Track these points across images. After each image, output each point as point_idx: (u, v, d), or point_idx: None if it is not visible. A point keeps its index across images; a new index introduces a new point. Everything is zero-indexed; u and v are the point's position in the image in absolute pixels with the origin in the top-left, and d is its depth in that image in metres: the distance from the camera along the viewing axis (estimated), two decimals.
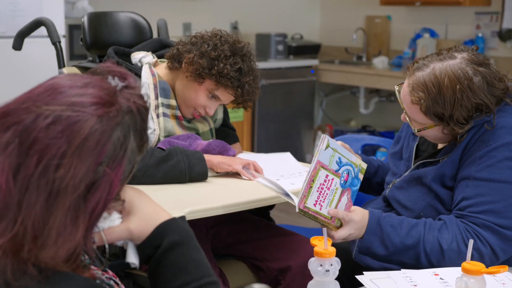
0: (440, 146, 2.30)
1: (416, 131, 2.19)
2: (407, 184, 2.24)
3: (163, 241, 1.30)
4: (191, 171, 2.32)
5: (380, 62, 6.68)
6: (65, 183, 1.09)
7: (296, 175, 2.51)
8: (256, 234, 2.61)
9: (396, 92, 2.24)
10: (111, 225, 1.30)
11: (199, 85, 2.51)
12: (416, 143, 2.35)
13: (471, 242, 1.66)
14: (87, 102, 1.13)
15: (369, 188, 2.57)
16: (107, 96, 1.15)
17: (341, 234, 2.05)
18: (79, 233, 1.12)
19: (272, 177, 2.43)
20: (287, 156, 2.73)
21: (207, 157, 2.38)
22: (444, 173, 2.13)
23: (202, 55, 2.47)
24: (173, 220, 1.34)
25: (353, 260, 2.29)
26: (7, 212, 1.09)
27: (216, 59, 2.46)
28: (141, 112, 1.20)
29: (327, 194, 2.02)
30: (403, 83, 2.21)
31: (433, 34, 6.48)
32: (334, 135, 7.01)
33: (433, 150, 2.31)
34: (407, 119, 2.19)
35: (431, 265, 2.03)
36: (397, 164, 2.39)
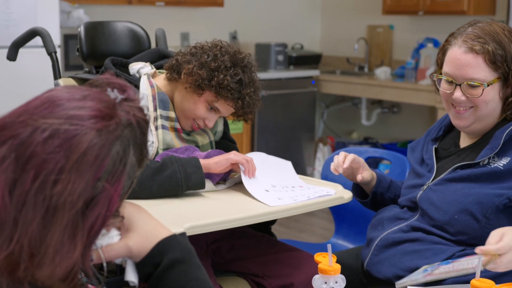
0: (462, 145, 2.29)
1: (478, 96, 2.15)
2: (443, 186, 2.20)
3: (163, 259, 1.29)
4: (188, 180, 2.28)
5: (383, 72, 6.66)
6: (63, 199, 1.07)
7: (288, 189, 2.45)
8: (257, 250, 2.57)
9: (434, 81, 2.27)
10: (109, 242, 1.28)
11: (199, 97, 2.47)
12: (435, 146, 2.34)
13: (480, 259, 1.66)
14: (86, 115, 1.11)
15: (382, 204, 2.51)
16: (106, 109, 1.13)
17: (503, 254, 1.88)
18: (77, 251, 1.10)
19: (263, 185, 2.40)
20: (287, 166, 2.68)
21: (203, 162, 2.34)
22: (493, 175, 2.11)
23: (202, 66, 2.44)
24: (173, 237, 1.32)
25: (360, 277, 2.33)
26: (3, 230, 1.06)
27: (216, 70, 2.42)
28: (141, 125, 1.17)
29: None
30: (436, 72, 2.26)
31: (436, 44, 6.42)
32: (335, 147, 6.99)
33: (454, 150, 2.29)
34: (464, 90, 2.16)
35: None
36: (422, 166, 2.36)
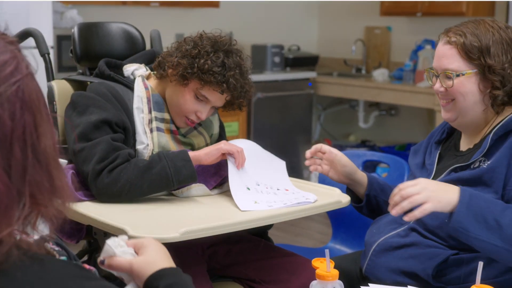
0: (463, 148, 2.30)
1: (450, 87, 2.20)
2: None
3: (160, 283, 1.34)
4: (178, 175, 2.28)
5: (380, 74, 6.63)
6: (49, 145, 1.15)
7: (271, 191, 2.44)
8: (254, 255, 2.56)
9: (426, 77, 2.34)
10: (121, 256, 1.39)
11: (185, 87, 2.46)
12: (439, 151, 2.35)
13: (480, 265, 1.67)
14: (13, 68, 1.12)
15: (377, 209, 2.50)
16: (11, 52, 1.14)
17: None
18: (64, 170, 1.22)
19: (247, 181, 2.40)
20: (280, 165, 2.65)
21: (193, 154, 2.34)
22: (486, 178, 2.10)
23: (183, 55, 2.45)
24: (174, 269, 1.38)
25: (358, 282, 2.30)
26: (13, 203, 1.10)
27: (197, 57, 2.42)
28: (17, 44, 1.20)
29: None
30: (431, 68, 2.29)
31: (434, 45, 6.33)
32: None
33: (454, 153, 2.31)
34: (442, 81, 2.22)
35: None
36: (422, 171, 2.36)
